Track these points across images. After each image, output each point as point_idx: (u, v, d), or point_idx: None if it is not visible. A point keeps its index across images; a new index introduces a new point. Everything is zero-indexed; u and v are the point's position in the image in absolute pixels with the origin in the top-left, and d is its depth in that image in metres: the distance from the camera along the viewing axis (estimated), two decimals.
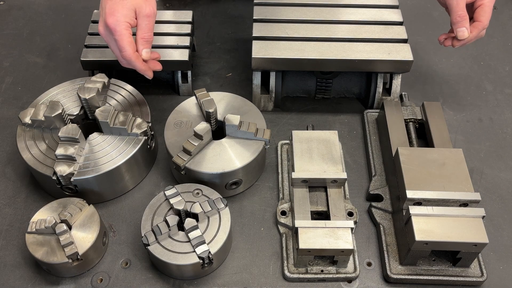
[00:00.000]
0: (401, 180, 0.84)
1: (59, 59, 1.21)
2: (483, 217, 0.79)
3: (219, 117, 0.95)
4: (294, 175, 0.86)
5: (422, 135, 0.99)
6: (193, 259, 0.78)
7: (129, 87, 1.01)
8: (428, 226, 0.78)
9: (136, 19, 0.87)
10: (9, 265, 0.86)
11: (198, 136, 0.88)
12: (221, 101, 0.98)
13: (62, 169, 0.85)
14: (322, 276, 0.83)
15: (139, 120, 0.92)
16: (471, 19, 0.94)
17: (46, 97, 0.98)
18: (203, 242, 0.79)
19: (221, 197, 0.85)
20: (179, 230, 0.81)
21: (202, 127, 0.89)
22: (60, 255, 0.79)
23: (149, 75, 0.91)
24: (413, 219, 0.79)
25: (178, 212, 0.83)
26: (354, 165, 1.00)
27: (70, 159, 0.87)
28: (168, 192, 0.85)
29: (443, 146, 0.93)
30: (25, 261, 0.86)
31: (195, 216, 0.82)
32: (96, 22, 1.12)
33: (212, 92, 0.98)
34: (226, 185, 0.91)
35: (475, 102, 1.12)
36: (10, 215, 0.92)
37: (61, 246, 0.79)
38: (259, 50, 1.00)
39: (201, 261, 0.79)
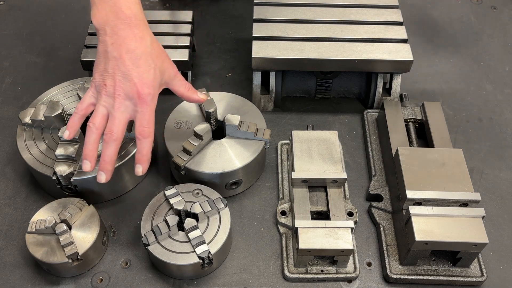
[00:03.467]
0: (401, 180, 0.84)
1: (59, 59, 1.21)
2: (483, 217, 0.79)
3: (219, 117, 0.95)
4: (294, 175, 0.86)
5: (422, 135, 0.99)
6: (193, 259, 0.78)
7: None
8: (428, 226, 0.78)
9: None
10: (9, 265, 0.86)
11: (198, 136, 0.88)
12: (221, 101, 0.98)
13: (62, 169, 0.85)
14: (322, 276, 0.83)
15: None
16: None
17: (46, 97, 0.98)
18: (203, 242, 0.79)
19: (221, 197, 0.85)
20: (179, 230, 0.81)
21: (202, 127, 0.89)
22: (60, 255, 0.79)
23: (98, 179, 0.78)
24: (413, 219, 0.79)
25: (178, 212, 0.83)
26: (354, 165, 1.00)
27: (70, 159, 0.87)
28: (168, 192, 0.84)
29: (443, 146, 0.93)
30: (25, 261, 0.86)
31: (195, 216, 0.82)
32: None
33: (212, 92, 0.98)
34: (226, 185, 0.91)
35: (475, 102, 1.12)
36: (10, 215, 0.92)
37: (61, 246, 0.79)
38: (259, 50, 1.00)
39: (201, 261, 0.79)
